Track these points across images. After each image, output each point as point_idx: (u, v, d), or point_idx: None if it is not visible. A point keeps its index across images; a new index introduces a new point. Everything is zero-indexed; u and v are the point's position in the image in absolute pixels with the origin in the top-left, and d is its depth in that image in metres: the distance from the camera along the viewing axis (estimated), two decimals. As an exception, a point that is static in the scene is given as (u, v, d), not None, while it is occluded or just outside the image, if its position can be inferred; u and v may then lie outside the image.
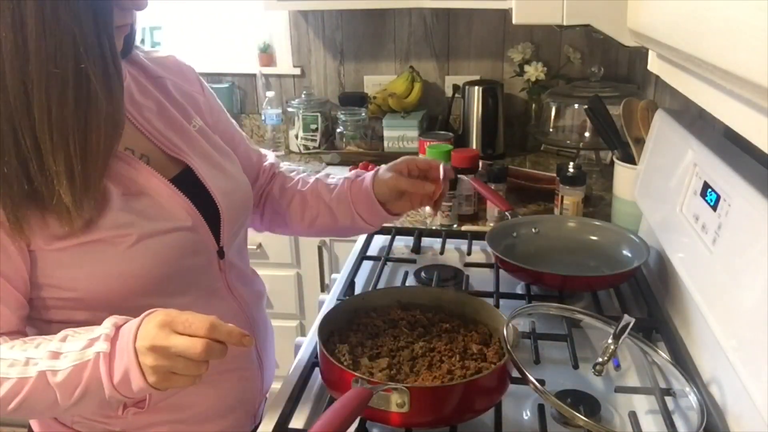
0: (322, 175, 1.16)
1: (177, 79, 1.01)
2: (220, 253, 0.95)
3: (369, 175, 1.09)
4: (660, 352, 0.96)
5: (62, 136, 0.74)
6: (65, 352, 0.75)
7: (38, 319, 0.87)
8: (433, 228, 1.59)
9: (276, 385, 1.04)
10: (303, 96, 2.32)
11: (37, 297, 0.84)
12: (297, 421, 0.92)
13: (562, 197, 1.54)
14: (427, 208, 1.34)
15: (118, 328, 0.75)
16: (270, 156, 1.20)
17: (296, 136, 2.32)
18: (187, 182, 0.92)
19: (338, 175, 1.15)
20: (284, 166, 1.22)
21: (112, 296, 0.83)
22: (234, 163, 1.03)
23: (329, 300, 1.27)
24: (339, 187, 1.11)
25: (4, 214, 0.76)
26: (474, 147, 2.15)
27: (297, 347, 1.18)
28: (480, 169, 1.89)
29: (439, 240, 1.46)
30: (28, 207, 0.76)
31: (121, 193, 0.84)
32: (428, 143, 1.84)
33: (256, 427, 0.96)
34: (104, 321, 0.76)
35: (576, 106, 2.01)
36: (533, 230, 1.36)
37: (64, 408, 0.76)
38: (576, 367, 0.99)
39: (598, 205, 1.74)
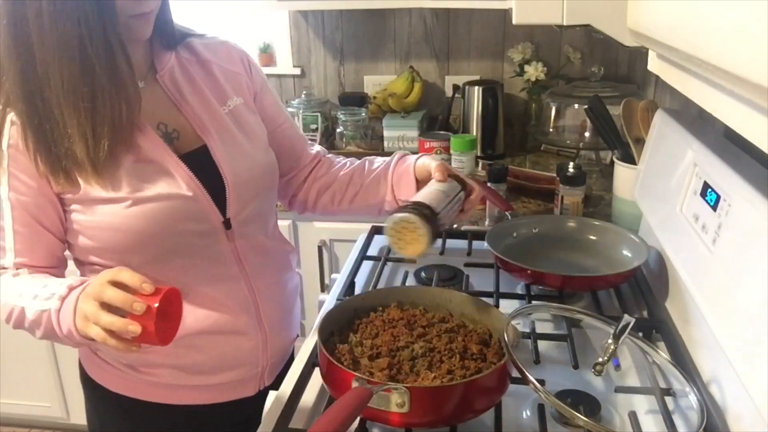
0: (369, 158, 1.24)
1: (223, 63, 1.12)
2: (227, 224, 1.04)
3: (412, 157, 1.16)
4: (660, 352, 0.96)
5: (75, 108, 0.89)
6: (40, 296, 0.91)
7: (77, 260, 1.04)
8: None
9: (300, 343, 1.12)
10: (303, 96, 2.32)
11: (72, 242, 1.01)
12: (297, 421, 0.92)
13: (562, 197, 1.54)
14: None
15: (71, 289, 0.88)
16: (318, 146, 1.28)
17: (296, 136, 2.32)
18: (202, 158, 1.02)
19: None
20: (331, 154, 1.29)
21: (119, 247, 0.97)
22: (258, 144, 1.11)
23: (329, 300, 1.27)
24: (384, 163, 1.19)
25: (43, 169, 0.92)
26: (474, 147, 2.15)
27: (297, 347, 1.18)
28: (479, 168, 1.89)
29: (439, 240, 1.46)
30: (58, 164, 0.92)
31: (133, 159, 0.96)
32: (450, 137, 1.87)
33: (265, 390, 1.07)
34: (62, 281, 0.91)
35: (576, 106, 2.01)
36: (533, 230, 1.36)
37: (44, 338, 0.93)
38: (576, 367, 0.99)
39: (598, 205, 1.74)
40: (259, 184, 1.09)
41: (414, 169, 1.12)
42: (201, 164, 1.01)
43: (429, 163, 1.08)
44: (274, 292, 1.14)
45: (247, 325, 1.08)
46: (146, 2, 0.92)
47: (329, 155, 1.27)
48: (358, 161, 1.23)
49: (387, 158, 1.19)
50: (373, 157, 1.23)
